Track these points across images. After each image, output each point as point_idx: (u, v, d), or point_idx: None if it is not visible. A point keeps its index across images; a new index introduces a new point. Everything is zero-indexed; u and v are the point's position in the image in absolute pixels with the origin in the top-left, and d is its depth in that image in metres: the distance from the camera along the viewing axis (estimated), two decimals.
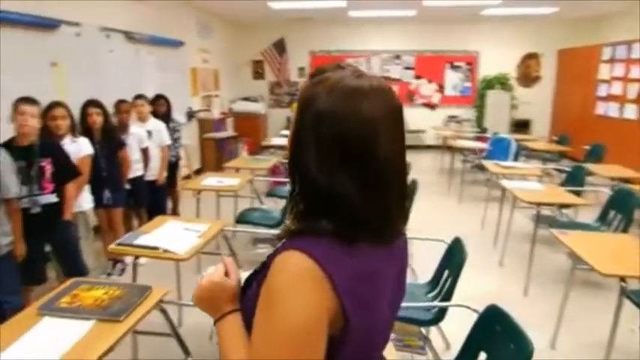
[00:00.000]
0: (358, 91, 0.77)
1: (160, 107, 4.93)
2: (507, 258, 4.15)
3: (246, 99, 9.65)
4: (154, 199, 4.49)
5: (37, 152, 2.90)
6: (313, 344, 0.70)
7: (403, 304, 2.12)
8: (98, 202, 3.74)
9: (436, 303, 2.35)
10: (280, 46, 9.86)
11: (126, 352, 2.59)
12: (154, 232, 2.74)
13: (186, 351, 2.13)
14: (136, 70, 5.72)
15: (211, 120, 8.05)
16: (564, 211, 4.73)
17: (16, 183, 2.70)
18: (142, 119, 4.45)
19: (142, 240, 2.59)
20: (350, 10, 8.01)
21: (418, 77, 9.89)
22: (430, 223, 4.85)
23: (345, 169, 0.76)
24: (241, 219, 4.03)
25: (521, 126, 9.37)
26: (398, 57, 9.83)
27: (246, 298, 0.84)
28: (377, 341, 0.84)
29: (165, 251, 2.47)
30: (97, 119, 3.64)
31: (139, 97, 4.44)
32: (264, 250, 4.17)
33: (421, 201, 5.29)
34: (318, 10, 7.94)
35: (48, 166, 2.94)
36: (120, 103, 4.13)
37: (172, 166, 5.06)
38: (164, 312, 2.06)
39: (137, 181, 4.21)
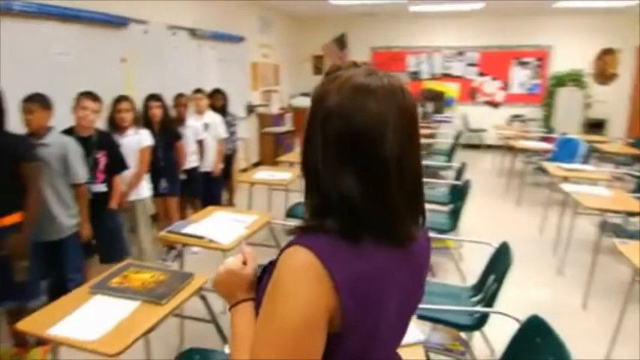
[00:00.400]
0: (365, 89, 0.76)
1: (218, 101, 5.10)
2: (567, 267, 3.91)
3: (305, 94, 9.74)
4: (209, 190, 4.67)
5: (95, 144, 3.10)
6: (311, 339, 0.70)
7: (444, 307, 2.04)
8: (155, 191, 3.95)
9: (476, 308, 2.26)
10: (341, 42, 9.87)
11: (173, 334, 2.73)
12: (202, 222, 2.85)
13: (223, 338, 2.20)
14: (198, 65, 5.96)
15: (270, 115, 8.21)
16: (632, 219, 4.38)
17: (84, 170, 2.91)
18: (199, 112, 4.63)
19: (190, 229, 2.70)
20: (410, 4, 7.85)
21: (482, 74, 9.52)
22: (484, 225, 4.68)
23: (349, 166, 0.76)
24: (292, 213, 4.09)
25: (595, 127, 8.74)
26: (461, 53, 9.51)
27: (259, 288, 0.86)
28: (380, 341, 0.82)
29: (211, 241, 2.56)
30: (156, 112, 3.83)
31: (197, 91, 4.62)
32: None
33: (475, 202, 5.13)
34: (379, 4, 7.85)
35: (102, 158, 3.14)
36: (179, 97, 4.32)
37: (228, 159, 5.22)
38: (204, 299, 2.15)
39: (192, 172, 4.40)
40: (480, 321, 2.23)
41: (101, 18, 4.14)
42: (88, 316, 1.79)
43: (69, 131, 3.05)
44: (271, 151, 7.80)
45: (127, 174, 3.40)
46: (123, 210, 3.41)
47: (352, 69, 0.81)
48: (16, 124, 2.64)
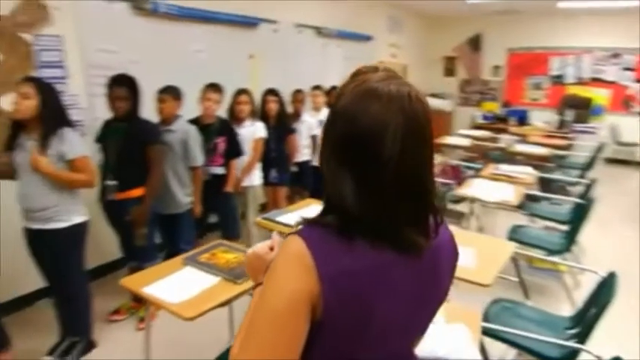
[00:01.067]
0: (372, 93, 0.78)
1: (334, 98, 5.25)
2: None
3: (434, 95, 9.51)
4: (319, 184, 4.83)
5: (216, 131, 3.44)
6: (293, 321, 0.75)
7: (526, 334, 1.88)
8: (266, 180, 4.23)
9: (563, 342, 2.03)
10: (475, 43, 9.40)
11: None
12: (297, 212, 3.00)
13: None
14: (323, 63, 6.19)
15: None
16: None
17: (201, 155, 3.26)
18: (316, 108, 4.82)
19: (283, 217, 2.86)
20: (559, 1, 7.14)
21: (639, 81, 8.28)
22: (611, 252, 4.12)
23: (347, 167, 0.78)
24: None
25: None
26: (616, 56, 8.37)
27: None
28: (373, 339, 0.82)
29: None
30: (272, 106, 4.10)
31: (315, 87, 4.82)
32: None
33: (605, 225, 4.53)
34: (523, 2, 7.29)
35: (221, 144, 3.47)
36: (296, 93, 4.56)
37: None
38: None
39: (304, 165, 4.61)
40: (569, 357, 2.00)
41: (234, 19, 4.55)
42: (176, 283, 2.03)
43: (196, 119, 3.44)
44: None
45: (242, 161, 3.70)
46: (237, 193, 3.73)
47: (371, 73, 0.82)
48: (152, 112, 3.08)
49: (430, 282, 0.89)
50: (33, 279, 2.65)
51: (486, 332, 2.15)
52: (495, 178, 4.13)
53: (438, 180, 5.07)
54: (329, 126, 0.82)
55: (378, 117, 0.76)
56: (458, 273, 2.07)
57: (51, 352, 2.64)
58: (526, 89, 9.20)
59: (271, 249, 1.02)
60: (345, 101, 0.80)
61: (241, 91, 3.77)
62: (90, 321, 2.72)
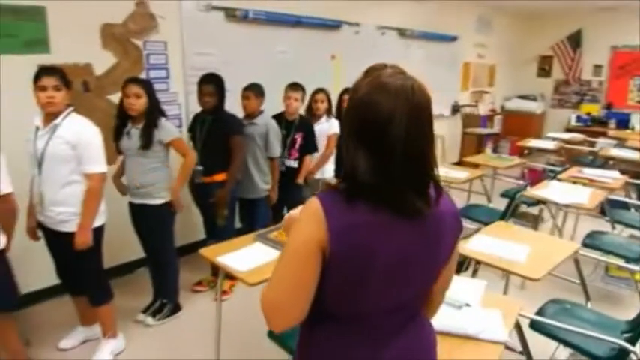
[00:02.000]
0: (383, 86, 0.96)
1: None
2: None
3: (524, 97, 9.12)
4: None
5: (296, 126, 3.74)
6: (306, 259, 0.96)
7: (579, 330, 1.90)
8: (339, 173, 4.46)
9: (613, 339, 2.01)
10: (575, 40, 8.83)
11: None
12: None
13: None
14: (405, 64, 6.18)
15: (477, 116, 8.02)
16: None
17: (279, 147, 3.58)
18: None
19: None
20: None
21: None
22: None
23: (362, 145, 0.97)
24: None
25: None
26: None
27: None
28: (370, 287, 1.00)
29: None
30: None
31: None
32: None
33: None
34: None
35: (299, 139, 3.75)
36: None
37: None
38: None
39: None
40: (617, 356, 1.99)
41: (317, 22, 4.84)
42: (246, 255, 2.33)
43: (280, 115, 3.77)
44: (473, 153, 7.63)
45: (316, 155, 3.97)
46: (307, 185, 4.00)
47: (382, 70, 1.01)
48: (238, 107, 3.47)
49: (433, 245, 1.05)
50: (136, 249, 3.12)
51: (536, 328, 2.19)
52: (575, 181, 3.98)
53: (511, 180, 4.96)
54: (348, 113, 1.02)
55: (388, 106, 0.94)
56: (505, 265, 2.16)
57: (145, 310, 3.12)
58: (630, 91, 8.48)
59: None
60: (361, 93, 0.99)
61: (318, 90, 4.04)
62: (177, 287, 3.15)
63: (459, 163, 6.96)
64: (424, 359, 1.16)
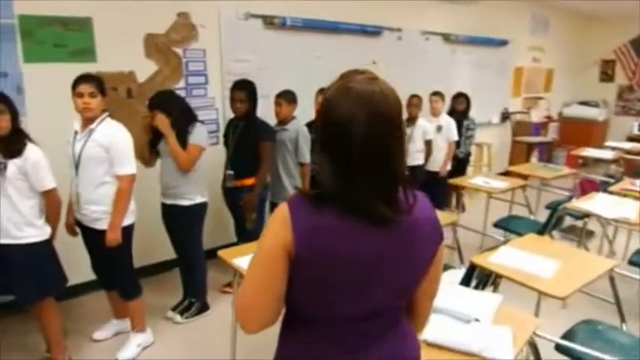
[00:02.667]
0: (346, 92, 0.96)
1: (459, 105, 5.21)
2: None
3: (584, 103, 8.62)
4: (432, 190, 4.85)
5: None
6: (274, 261, 0.97)
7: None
8: None
9: None
10: (639, 44, 8.25)
11: None
12: None
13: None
14: (450, 69, 6.14)
15: (529, 123, 7.67)
16: None
17: (309, 153, 3.61)
18: (434, 114, 4.86)
19: None
20: None
21: None
22: None
23: (325, 149, 0.99)
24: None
25: None
26: None
27: None
28: (336, 291, 1.00)
29: None
30: None
31: (435, 93, 4.86)
32: None
33: None
34: None
35: None
36: (411, 98, 4.66)
37: (460, 162, 5.28)
38: None
39: (416, 169, 4.69)
40: None
41: (356, 29, 4.84)
42: None
43: (312, 122, 3.80)
44: (523, 162, 7.30)
45: None
46: None
47: (354, 75, 1.01)
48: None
49: (405, 252, 1.02)
50: (168, 249, 3.25)
51: (562, 351, 2.06)
52: (626, 194, 3.71)
53: (558, 191, 4.69)
54: (318, 115, 1.03)
55: (348, 110, 0.94)
56: (526, 280, 2.06)
57: (174, 308, 3.24)
58: None
59: None
60: (327, 95, 1.00)
61: None
62: (205, 287, 3.25)
63: (506, 173, 6.69)
64: None
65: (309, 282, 1.00)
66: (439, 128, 4.87)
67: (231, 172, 3.30)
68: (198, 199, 2.99)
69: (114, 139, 2.51)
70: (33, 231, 2.41)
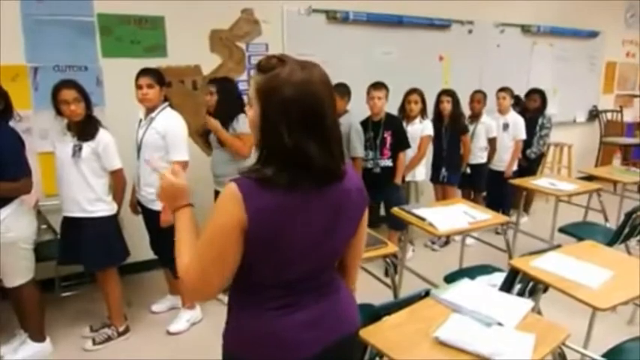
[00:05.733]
0: (308, 81, 1.06)
1: (532, 102, 4.90)
2: None
3: None
4: (496, 189, 4.64)
5: (383, 125, 3.73)
6: (228, 239, 1.05)
7: None
8: (435, 178, 4.33)
9: None
10: None
11: None
12: (437, 208, 3.08)
13: None
14: (528, 63, 5.78)
15: (621, 123, 6.98)
16: None
17: (361, 147, 3.62)
18: (501, 111, 4.62)
19: (420, 210, 2.98)
20: None
21: None
22: None
23: (305, 132, 1.05)
24: (564, 230, 3.53)
25: None
26: None
27: None
28: (286, 256, 1.11)
29: (429, 224, 2.78)
30: (446, 106, 4.15)
31: (502, 89, 4.60)
32: None
33: None
34: None
35: (388, 137, 3.73)
36: (474, 94, 4.47)
37: (532, 162, 4.98)
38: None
39: (478, 167, 4.51)
40: None
41: (423, 22, 4.73)
42: None
43: (366, 119, 3.81)
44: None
45: (409, 152, 3.89)
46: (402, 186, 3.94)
47: (285, 66, 1.06)
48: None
49: (339, 217, 1.16)
50: None
51: None
52: None
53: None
54: (277, 110, 1.07)
55: (320, 96, 1.08)
56: (566, 288, 1.93)
57: (225, 290, 3.41)
58: None
59: (173, 175, 1.24)
60: (288, 91, 1.06)
61: (412, 91, 3.96)
62: None
63: (590, 178, 6.17)
64: (343, 318, 1.27)
65: (260, 254, 1.09)
66: (505, 126, 4.62)
67: None
68: None
69: (169, 127, 2.71)
70: (103, 205, 2.70)
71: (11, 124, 2.50)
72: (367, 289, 2.30)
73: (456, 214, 2.96)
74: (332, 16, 4.23)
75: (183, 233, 1.18)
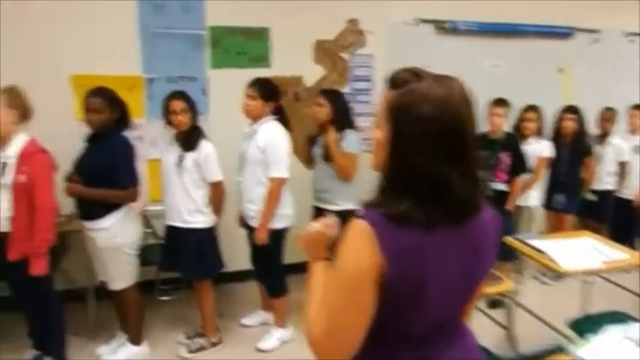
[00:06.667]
0: (449, 97, 0.90)
1: None
2: None
3: None
4: (622, 220, 4.06)
5: (500, 146, 3.37)
6: (361, 284, 0.89)
7: None
8: (549, 204, 3.87)
9: None
10: None
11: None
12: (559, 240, 2.70)
13: None
14: None
15: None
16: None
17: None
18: (633, 131, 4.05)
19: (537, 242, 2.63)
20: None
21: None
22: None
23: (445, 157, 0.89)
24: None
25: None
26: None
27: None
28: (428, 300, 0.93)
29: (550, 259, 2.43)
30: (568, 124, 3.71)
31: (636, 107, 4.04)
32: None
33: None
34: None
35: (506, 159, 3.36)
36: (605, 111, 3.97)
37: None
38: None
39: (605, 194, 3.99)
40: None
41: (541, 30, 4.30)
42: None
43: (482, 135, 3.48)
44: None
45: (525, 177, 3.51)
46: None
47: (421, 81, 0.91)
48: None
49: (475, 257, 0.99)
50: None
51: None
52: None
53: None
54: (412, 131, 0.92)
55: (461, 114, 0.92)
56: None
57: None
58: None
59: (326, 228, 1.13)
60: (424, 109, 0.91)
61: (529, 108, 3.61)
62: None
63: None
64: None
65: (392, 304, 0.91)
66: (637, 148, 4.03)
67: None
68: (346, 206, 2.97)
69: (269, 141, 2.65)
70: (201, 217, 2.71)
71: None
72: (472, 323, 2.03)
73: (583, 250, 2.57)
74: (440, 27, 3.99)
75: (314, 287, 1.06)
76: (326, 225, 1.15)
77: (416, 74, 0.93)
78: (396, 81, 0.94)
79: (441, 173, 0.88)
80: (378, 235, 0.87)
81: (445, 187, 0.89)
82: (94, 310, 3.08)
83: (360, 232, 0.89)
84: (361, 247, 0.88)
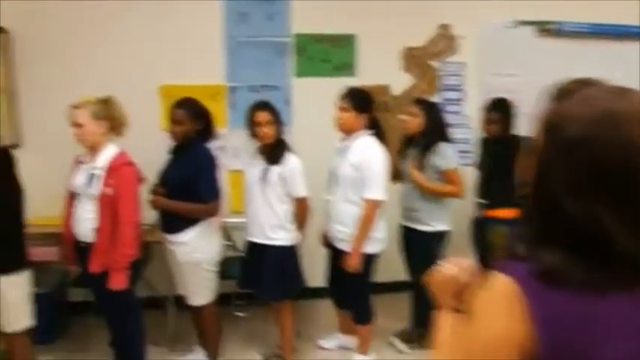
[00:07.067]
0: (616, 114, 0.68)
1: None
2: None
3: None
4: None
5: None
6: (496, 358, 0.71)
7: None
8: None
9: None
10: None
11: None
12: None
13: None
14: None
15: None
16: None
17: None
18: None
19: None
20: None
21: None
22: None
23: (606, 197, 0.68)
24: None
25: None
26: None
27: None
28: None
29: None
30: None
31: None
32: None
33: None
34: None
35: None
36: None
37: None
38: None
39: None
40: None
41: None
42: None
43: None
44: None
45: None
46: None
47: (588, 89, 0.74)
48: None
49: None
50: (401, 270, 3.06)
51: None
52: None
53: None
54: (558, 155, 0.73)
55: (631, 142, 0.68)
56: None
57: (398, 335, 3.06)
58: None
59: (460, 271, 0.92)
60: (578, 127, 0.71)
61: None
62: (429, 319, 2.94)
63: None
64: None
65: None
66: None
67: (483, 202, 2.92)
68: (439, 227, 2.72)
69: (364, 158, 2.45)
70: (284, 234, 2.57)
71: None
72: None
73: None
74: (542, 29, 3.60)
75: (441, 346, 0.87)
76: (460, 268, 0.96)
77: (584, 83, 0.78)
78: (559, 92, 0.78)
79: (596, 219, 0.67)
80: (528, 296, 0.69)
81: (603, 238, 0.67)
82: (173, 320, 3.05)
83: (503, 292, 0.70)
84: (502, 312, 0.70)
